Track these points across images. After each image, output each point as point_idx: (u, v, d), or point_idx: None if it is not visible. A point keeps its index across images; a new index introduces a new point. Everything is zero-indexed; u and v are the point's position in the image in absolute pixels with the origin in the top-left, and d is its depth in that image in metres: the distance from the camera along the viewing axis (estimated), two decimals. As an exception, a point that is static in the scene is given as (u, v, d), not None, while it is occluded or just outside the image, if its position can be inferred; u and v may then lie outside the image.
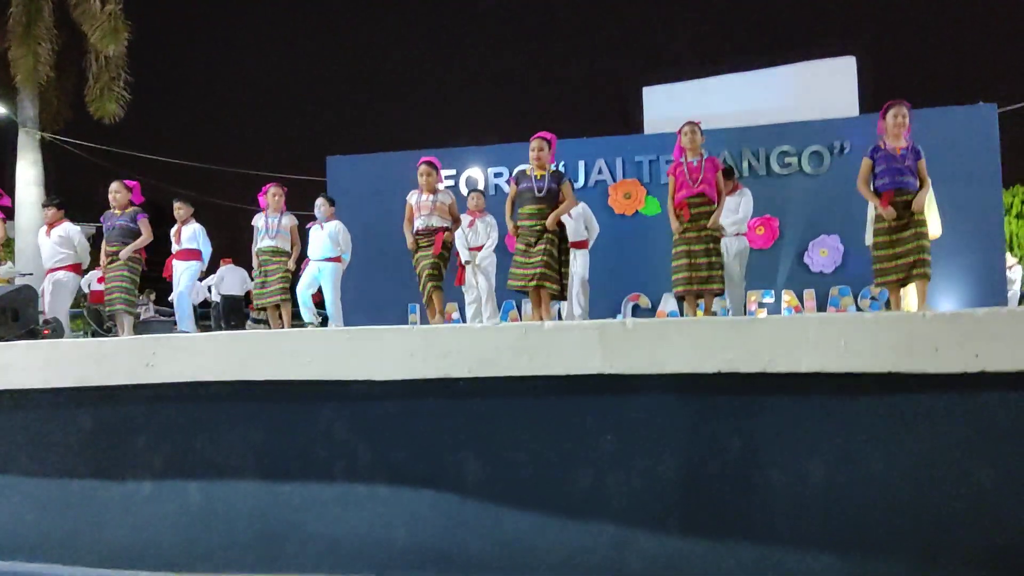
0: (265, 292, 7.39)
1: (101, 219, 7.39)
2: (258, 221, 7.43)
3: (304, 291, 7.85)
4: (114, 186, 7.37)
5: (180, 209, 7.99)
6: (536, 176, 5.89)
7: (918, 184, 5.58)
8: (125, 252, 7.16)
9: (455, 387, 4.22)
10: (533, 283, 5.77)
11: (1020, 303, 11.69)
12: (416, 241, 6.62)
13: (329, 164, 11.17)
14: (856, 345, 3.82)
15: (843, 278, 9.32)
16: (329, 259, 7.88)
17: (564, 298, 6.13)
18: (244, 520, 4.50)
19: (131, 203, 7.35)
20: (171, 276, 8.12)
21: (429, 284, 6.52)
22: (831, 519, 3.91)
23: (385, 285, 9.09)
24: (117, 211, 7.30)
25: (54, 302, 7.51)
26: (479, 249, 7.84)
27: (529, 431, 4.20)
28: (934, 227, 5.80)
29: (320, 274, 7.83)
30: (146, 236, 7.33)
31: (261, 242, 7.34)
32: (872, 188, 5.72)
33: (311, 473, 4.43)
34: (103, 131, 17.19)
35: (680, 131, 6.00)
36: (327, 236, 7.86)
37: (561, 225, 5.95)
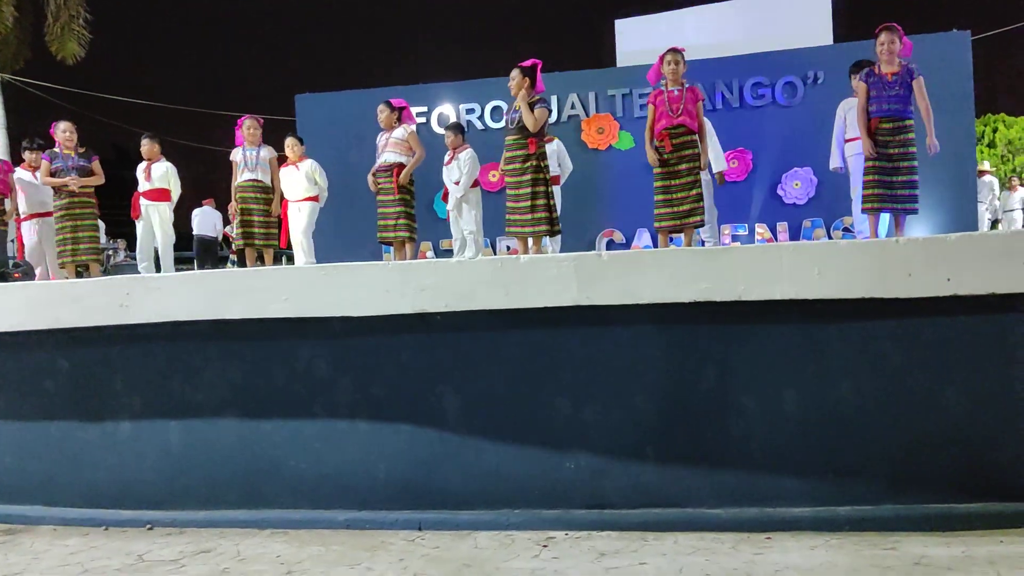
0: (249, 232, 7.07)
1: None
2: (236, 156, 7.16)
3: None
4: (67, 125, 7.11)
5: (148, 146, 7.72)
6: (514, 108, 5.82)
7: (911, 110, 5.57)
8: (79, 183, 6.88)
9: (432, 322, 4.23)
10: (527, 229, 5.69)
11: None
12: (376, 181, 6.70)
13: (298, 102, 10.92)
14: (830, 272, 3.87)
15: (816, 210, 9.32)
16: (307, 199, 7.77)
17: (554, 233, 5.97)
18: (225, 458, 4.52)
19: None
20: (139, 216, 7.89)
21: (403, 235, 6.57)
22: (804, 444, 3.99)
23: (359, 225, 8.98)
24: (71, 152, 7.05)
25: (46, 249, 7.36)
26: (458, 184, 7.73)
27: (507, 364, 4.23)
28: None
29: (299, 213, 7.70)
30: (100, 176, 7.18)
31: (241, 176, 7.11)
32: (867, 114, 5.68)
33: (291, 411, 4.45)
34: (65, 71, 16.73)
35: (662, 58, 5.78)
36: (303, 176, 7.73)
37: (541, 155, 5.80)
